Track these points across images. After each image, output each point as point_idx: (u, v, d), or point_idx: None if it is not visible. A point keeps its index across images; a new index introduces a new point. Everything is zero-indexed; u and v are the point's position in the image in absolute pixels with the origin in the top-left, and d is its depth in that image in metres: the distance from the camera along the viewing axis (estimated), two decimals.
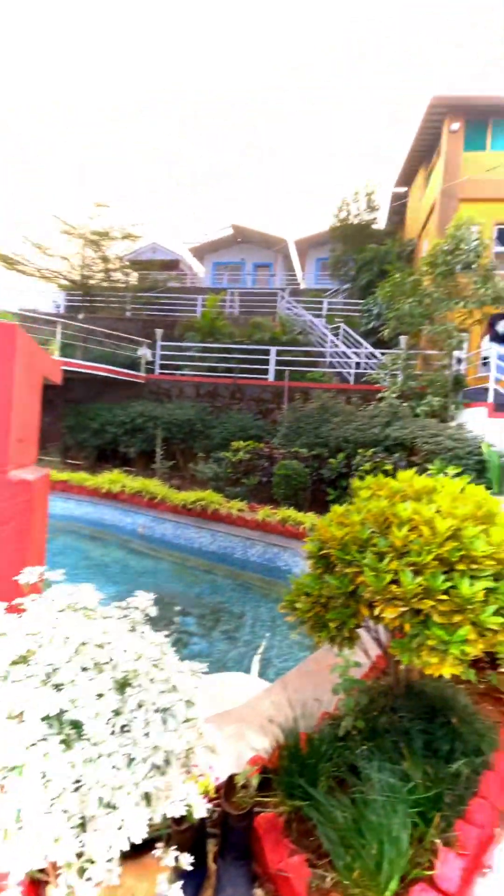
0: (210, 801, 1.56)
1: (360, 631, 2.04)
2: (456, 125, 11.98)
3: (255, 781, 1.55)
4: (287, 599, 2.10)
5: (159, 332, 12.44)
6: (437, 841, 1.52)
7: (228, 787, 1.60)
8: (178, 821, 1.50)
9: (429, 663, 1.61)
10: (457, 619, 1.57)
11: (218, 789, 1.58)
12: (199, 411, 10.25)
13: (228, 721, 2.41)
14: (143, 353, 11.71)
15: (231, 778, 1.61)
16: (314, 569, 2.10)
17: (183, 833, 1.50)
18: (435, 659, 1.59)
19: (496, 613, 1.58)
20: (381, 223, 17.70)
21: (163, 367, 12.14)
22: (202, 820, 1.54)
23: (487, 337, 9.43)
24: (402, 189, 16.74)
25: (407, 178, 16.04)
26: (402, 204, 17.09)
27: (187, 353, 12.47)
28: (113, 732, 0.88)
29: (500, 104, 11.74)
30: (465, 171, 11.91)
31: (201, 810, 0.99)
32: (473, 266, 8.68)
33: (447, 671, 1.58)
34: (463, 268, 8.73)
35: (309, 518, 6.51)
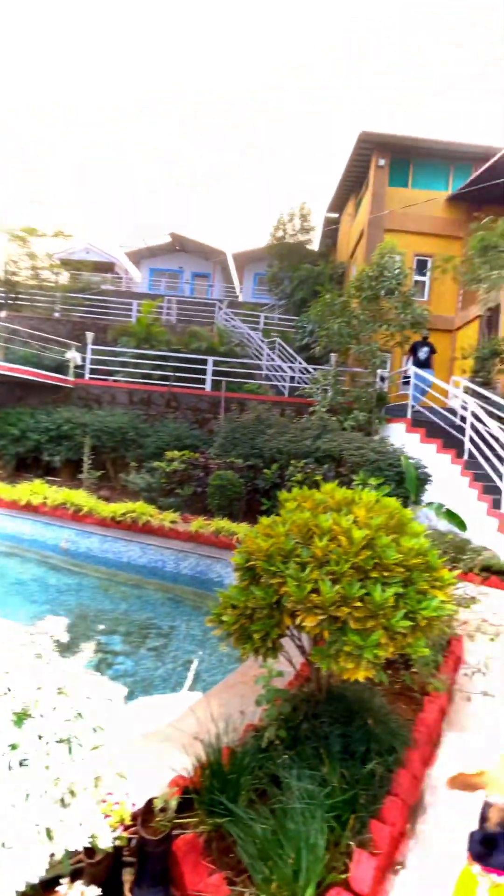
0: (126, 828, 1.49)
1: (286, 640, 2.09)
2: (382, 161, 12.98)
3: (173, 804, 1.51)
4: (214, 613, 2.09)
5: (90, 335, 11.95)
6: (352, 843, 1.58)
7: (146, 813, 1.54)
8: (91, 852, 1.42)
9: (345, 668, 1.68)
10: (370, 624, 1.66)
11: (135, 816, 1.52)
12: (131, 419, 9.94)
13: (153, 742, 2.33)
14: (72, 356, 11.17)
15: (149, 802, 1.55)
16: (241, 581, 2.12)
17: (97, 865, 1.42)
18: (351, 664, 1.66)
19: (405, 617, 1.70)
20: (315, 245, 18.56)
21: (93, 371, 11.64)
22: (118, 849, 1.47)
23: (411, 361, 10.22)
24: (335, 215, 17.73)
25: (339, 204, 17.01)
26: (335, 228, 18.08)
27: (120, 359, 12.09)
28: (10, 768, 0.82)
29: (420, 146, 12.90)
30: (390, 204, 12.91)
31: (107, 840, 0.94)
32: (395, 292, 9.39)
33: (361, 675, 1.66)
34: (386, 293, 9.42)
35: (243, 528, 6.54)
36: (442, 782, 2.15)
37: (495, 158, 10.48)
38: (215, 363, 11.53)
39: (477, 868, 1.40)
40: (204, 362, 11.52)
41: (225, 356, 12.48)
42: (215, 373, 11.38)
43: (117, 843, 1.45)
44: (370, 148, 13.03)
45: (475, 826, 1.45)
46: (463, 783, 1.45)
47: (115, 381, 11.42)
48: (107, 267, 22.63)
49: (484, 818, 1.42)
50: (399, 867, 1.75)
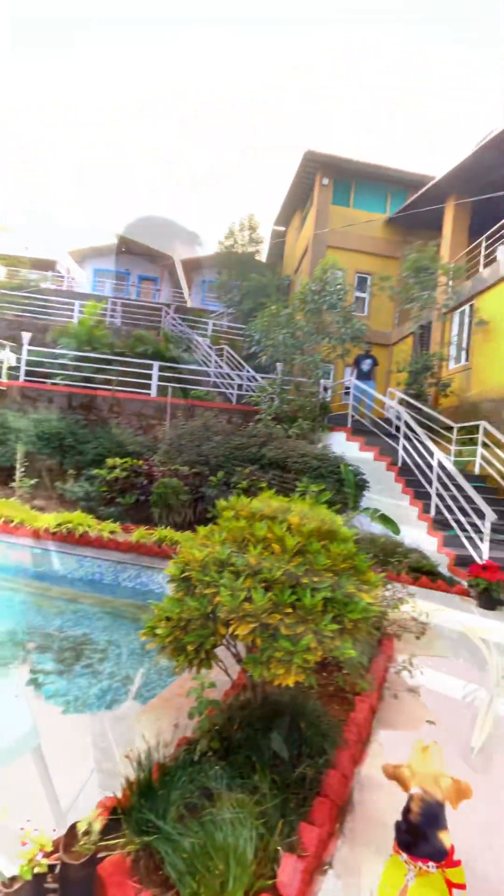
0: (47, 855, 1.43)
1: (222, 650, 2.09)
2: (326, 180, 13.54)
3: (97, 826, 1.46)
4: (148, 626, 2.05)
5: (27, 335, 11.35)
6: (280, 848, 1.60)
7: (69, 838, 1.47)
8: (9, 882, 1.34)
9: (277, 674, 1.72)
10: (300, 629, 1.71)
11: (56, 842, 1.45)
12: (70, 424, 9.52)
13: (83, 763, 2.23)
14: (6, 356, 10.53)
15: (72, 827, 1.49)
16: (176, 592, 2.10)
17: (14, 894, 1.34)
18: (281, 670, 1.70)
19: (333, 620, 1.77)
20: (263, 256, 18.92)
21: (29, 373, 11.03)
22: (39, 876, 1.40)
23: (355, 374, 10.68)
24: (282, 228, 18.21)
25: (285, 218, 17.50)
26: (282, 241, 18.56)
27: (60, 361, 11.57)
28: None
29: (360, 169, 13.60)
30: (333, 222, 13.48)
31: (11, 868, 0.90)
32: (337, 307, 9.80)
33: (292, 680, 1.70)
34: (329, 307, 9.80)
35: (187, 537, 6.44)
36: (371, 780, 2.25)
37: (426, 187, 11.30)
38: (161, 368, 11.36)
39: (404, 857, 1.47)
40: (149, 367, 11.32)
41: (172, 361, 12.33)
42: (161, 378, 11.21)
43: (37, 870, 1.38)
44: (315, 167, 13.55)
45: (400, 819, 1.53)
46: (392, 773, 1.54)
47: (53, 384, 10.90)
48: (47, 264, 21.64)
49: (408, 809, 1.50)
50: (327, 867, 1.79)
